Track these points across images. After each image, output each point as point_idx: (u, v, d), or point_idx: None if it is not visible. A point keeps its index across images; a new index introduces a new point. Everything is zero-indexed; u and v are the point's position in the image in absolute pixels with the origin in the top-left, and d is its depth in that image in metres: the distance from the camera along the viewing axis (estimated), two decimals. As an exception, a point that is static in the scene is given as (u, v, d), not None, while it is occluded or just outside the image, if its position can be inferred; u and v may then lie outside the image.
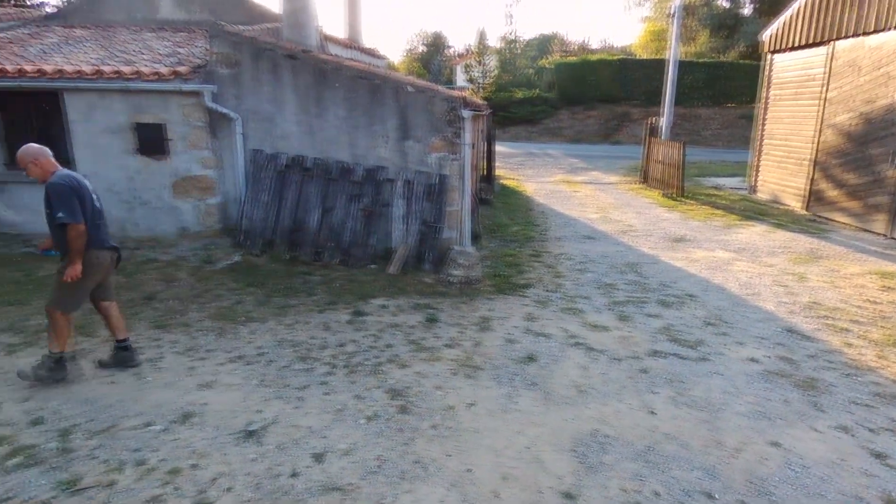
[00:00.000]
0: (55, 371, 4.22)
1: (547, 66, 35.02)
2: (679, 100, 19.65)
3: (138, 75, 7.40)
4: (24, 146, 4.25)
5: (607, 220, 10.97)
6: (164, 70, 7.48)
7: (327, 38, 11.35)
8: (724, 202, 12.88)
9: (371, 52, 15.04)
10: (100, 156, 7.78)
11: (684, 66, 24.96)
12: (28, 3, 23.44)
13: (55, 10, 14.05)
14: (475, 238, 8.56)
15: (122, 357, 4.53)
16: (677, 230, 10.12)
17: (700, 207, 12.24)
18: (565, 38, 45.69)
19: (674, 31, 16.04)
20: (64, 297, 4.16)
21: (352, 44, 13.49)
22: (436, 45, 59.61)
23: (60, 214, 4.03)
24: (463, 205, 7.66)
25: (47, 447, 3.46)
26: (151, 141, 7.67)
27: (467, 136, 7.54)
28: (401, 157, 7.53)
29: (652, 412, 4.08)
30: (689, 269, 7.74)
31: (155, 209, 7.98)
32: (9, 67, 7.44)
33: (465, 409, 4.05)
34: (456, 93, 7.99)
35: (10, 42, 9.38)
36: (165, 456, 3.41)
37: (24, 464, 3.30)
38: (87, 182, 4.39)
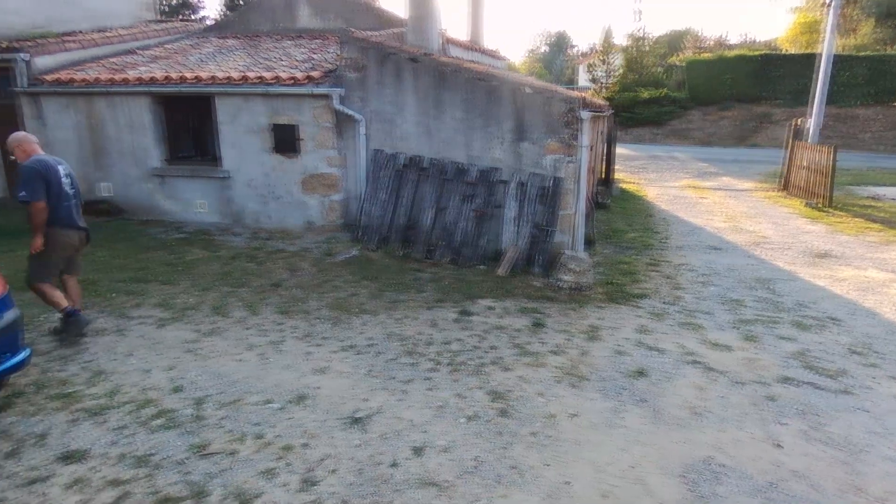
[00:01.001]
0: (72, 326, 4.85)
1: (677, 63, 33.00)
2: (832, 98, 17.59)
3: (277, 80, 8.07)
4: (14, 133, 4.90)
5: (738, 230, 10.09)
6: (299, 75, 8.08)
7: (449, 41, 11.59)
8: (882, 215, 11.31)
9: (491, 54, 15.13)
10: (242, 154, 8.60)
11: (840, 61, 22.29)
12: (193, 17, 26.49)
13: (213, 22, 15.76)
14: (589, 243, 8.29)
15: (70, 324, 4.88)
16: (821, 244, 9.06)
17: (851, 220, 10.85)
18: (699, 34, 42.78)
19: (829, 21, 14.35)
20: (34, 268, 4.78)
21: (473, 46, 13.65)
22: (559, 44, 58.49)
23: (22, 193, 4.53)
24: (577, 208, 7.45)
25: (184, 413, 3.89)
26: (285, 140, 8.33)
27: (585, 138, 7.32)
28: (515, 159, 7.49)
29: (778, 445, 3.69)
30: (834, 288, 6.90)
31: (286, 203, 8.65)
32: (173, 75, 8.47)
33: (566, 419, 3.93)
34: (575, 93, 7.78)
35: (176, 53, 10.66)
36: (280, 433, 3.69)
37: (165, 425, 3.73)
38: (61, 168, 4.84)
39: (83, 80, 8.91)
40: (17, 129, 9.54)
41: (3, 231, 8.18)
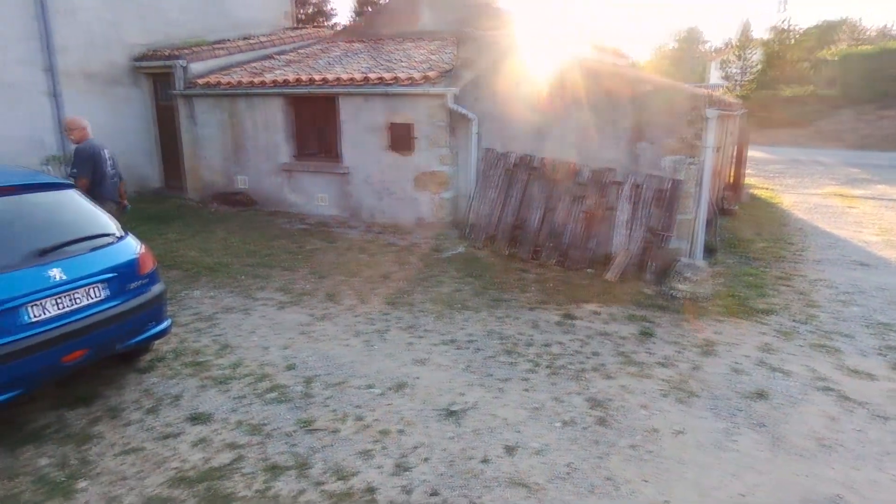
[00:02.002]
0: None
1: (829, 58, 29.60)
2: None
3: (395, 80, 8.40)
4: (72, 117, 5.99)
5: (893, 246, 8.86)
6: (416, 75, 8.34)
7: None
8: None
9: (613, 52, 14.59)
10: (361, 151, 9.06)
11: None
12: (326, 24, 28.31)
13: (341, 27, 16.78)
14: (709, 251, 7.71)
15: None
16: None
17: None
18: (858, 24, 38.04)
19: None
20: None
21: (594, 44, 13.24)
22: (689, 40, 55.02)
23: (74, 170, 5.61)
24: (698, 213, 6.96)
25: (295, 389, 4.18)
26: (401, 138, 8.64)
27: (710, 138, 6.81)
28: (631, 159, 7.16)
29: (927, 493, 3.19)
30: None
31: (399, 199, 8.98)
32: (303, 77, 9.13)
33: (670, 436, 3.70)
34: (701, 91, 7.27)
35: (307, 57, 11.47)
36: (379, 417, 3.84)
37: (278, 399, 4.04)
38: (105, 151, 5.88)
39: (228, 83, 9.88)
40: (176, 128, 10.81)
41: (156, 217, 9.32)
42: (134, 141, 11.03)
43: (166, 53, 10.66)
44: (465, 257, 7.54)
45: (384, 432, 3.67)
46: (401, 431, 3.68)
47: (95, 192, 5.62)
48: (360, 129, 8.96)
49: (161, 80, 10.94)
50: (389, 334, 5.20)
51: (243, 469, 3.28)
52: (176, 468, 3.27)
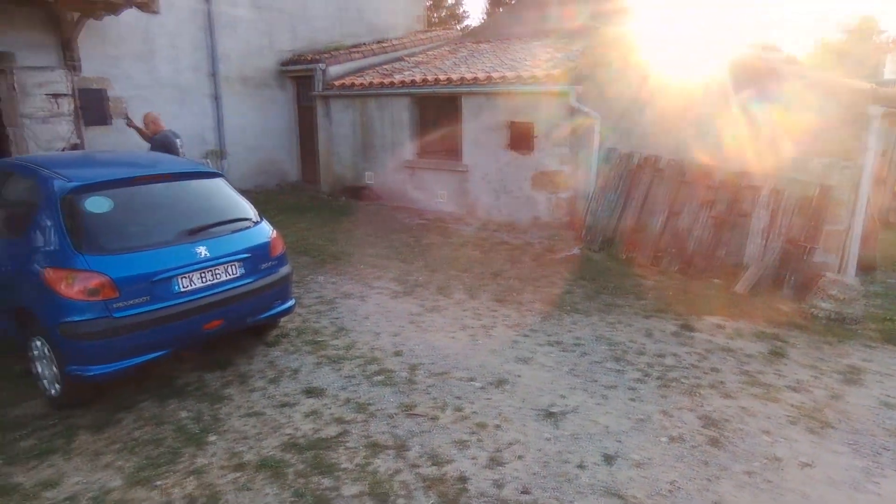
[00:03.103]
0: None
1: None
2: None
3: (518, 79, 8.39)
4: (149, 112, 6.96)
5: None
6: (539, 73, 8.26)
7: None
8: None
9: (764, 46, 13.30)
10: (480, 149, 9.17)
11: None
12: (458, 27, 28.96)
13: (470, 28, 17.07)
14: (866, 269, 6.78)
15: None
16: None
17: None
18: None
19: None
20: None
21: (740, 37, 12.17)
22: (861, 30, 48.69)
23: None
24: (852, 224, 6.15)
25: (400, 374, 4.36)
26: (520, 137, 8.62)
27: (872, 140, 5.99)
28: (770, 161, 6.50)
29: None
30: None
31: (515, 198, 8.97)
32: (429, 77, 9.45)
33: (796, 467, 3.32)
34: (865, 85, 6.40)
35: (435, 58, 11.84)
36: (478, 410, 3.89)
37: (384, 382, 4.24)
38: (178, 140, 6.71)
39: (360, 84, 10.52)
40: (314, 126, 11.72)
41: (292, 207, 10.18)
42: (277, 138, 12.15)
43: (308, 58, 11.59)
44: (579, 259, 7.34)
45: (481, 425, 3.70)
46: (497, 426, 3.70)
47: None
48: (480, 127, 9.08)
49: (303, 82, 11.92)
50: (495, 330, 5.23)
51: (347, 443, 3.49)
52: (289, 434, 3.57)
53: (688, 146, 7.12)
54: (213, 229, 4.15)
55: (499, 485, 3.14)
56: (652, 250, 7.16)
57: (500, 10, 25.47)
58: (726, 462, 3.37)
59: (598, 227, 7.71)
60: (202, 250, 3.94)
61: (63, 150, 7.65)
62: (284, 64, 11.87)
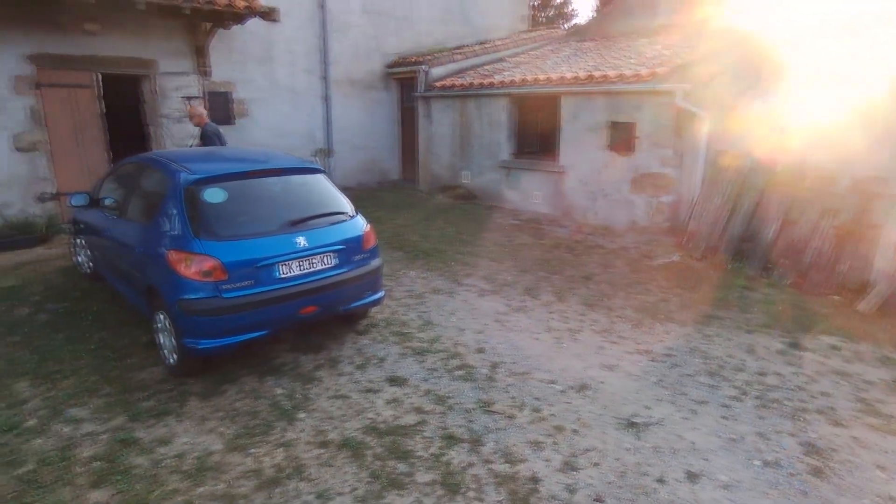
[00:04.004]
0: None
1: None
2: None
3: (620, 78, 8.11)
4: (193, 105, 7.79)
5: None
6: (643, 72, 7.94)
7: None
8: None
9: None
10: (578, 150, 8.98)
11: None
12: (566, 26, 28.44)
13: (575, 27, 16.70)
14: None
15: None
16: None
17: None
18: None
19: None
20: None
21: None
22: None
23: (193, 143, 7.47)
24: None
25: (481, 371, 4.41)
26: (621, 138, 8.33)
27: None
28: (911, 168, 5.78)
29: None
30: None
31: (613, 201, 8.68)
32: (528, 77, 9.39)
33: (915, 510, 2.96)
34: None
35: (537, 58, 11.74)
36: (556, 413, 3.84)
37: (464, 377, 4.31)
38: (220, 129, 7.48)
39: (461, 85, 10.68)
40: (415, 126, 12.07)
41: (391, 204, 10.56)
42: (381, 138, 12.65)
43: (412, 60, 11.95)
44: (678, 267, 6.97)
45: (558, 428, 3.66)
46: (575, 431, 3.63)
47: None
48: (579, 128, 8.89)
49: (407, 84, 12.32)
50: (581, 335, 5.12)
51: (424, 432, 3.60)
52: (371, 419, 3.74)
53: (809, 149, 6.51)
54: (312, 221, 4.44)
55: (571, 489, 3.09)
56: (761, 261, 6.63)
57: (609, 7, 24.66)
58: (829, 495, 3.07)
59: (701, 233, 7.27)
60: (301, 240, 4.23)
61: (190, 146, 8.51)
62: (390, 66, 12.33)
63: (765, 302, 5.92)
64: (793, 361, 4.63)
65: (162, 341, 4.29)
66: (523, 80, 9.52)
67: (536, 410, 3.86)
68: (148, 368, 4.36)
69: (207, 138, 7.36)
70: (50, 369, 4.32)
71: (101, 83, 8.57)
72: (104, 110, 8.65)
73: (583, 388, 4.17)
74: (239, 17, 9.03)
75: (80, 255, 6.33)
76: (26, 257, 7.25)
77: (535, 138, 9.95)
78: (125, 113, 9.77)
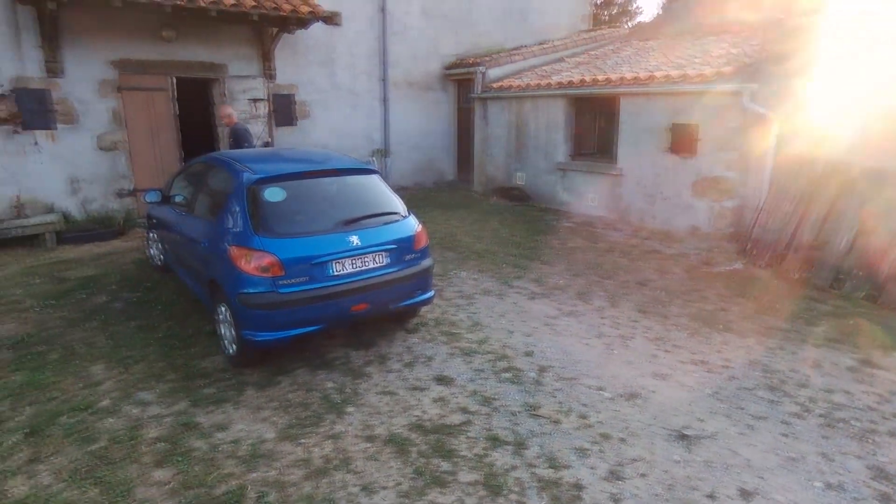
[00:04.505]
0: None
1: None
2: None
3: (684, 78, 7.84)
4: (224, 107, 8.37)
5: None
6: (707, 71, 7.64)
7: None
8: None
9: None
10: (636, 152, 8.75)
11: None
12: (630, 24, 27.72)
13: (637, 26, 16.24)
14: None
15: None
16: None
17: None
18: None
19: None
20: None
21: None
22: None
23: (245, 145, 7.74)
24: None
25: (528, 374, 4.39)
26: (682, 140, 8.05)
27: None
28: None
29: None
30: None
31: (672, 205, 8.41)
32: (586, 78, 9.23)
33: None
34: None
35: (597, 58, 11.52)
36: (603, 420, 3.77)
37: (511, 380, 4.30)
38: (248, 129, 8.18)
39: (518, 86, 10.63)
40: (471, 127, 12.12)
41: (445, 204, 10.64)
42: (437, 139, 12.77)
43: (470, 61, 12.00)
44: (740, 275, 6.68)
45: (605, 436, 3.59)
46: (622, 440, 3.56)
47: None
48: (638, 129, 8.66)
49: (464, 85, 12.38)
50: (633, 342, 5.00)
51: (469, 433, 3.62)
52: (417, 416, 3.80)
53: (889, 154, 6.09)
54: (365, 221, 4.55)
55: (616, 499, 3.03)
56: (832, 271, 6.26)
57: (675, 3, 23.83)
58: (898, 523, 2.87)
59: (767, 240, 6.93)
60: (355, 239, 4.34)
61: (253, 146, 8.88)
62: (448, 67, 12.43)
63: (835, 315, 5.58)
64: (863, 379, 4.35)
65: (223, 332, 4.51)
66: (581, 80, 9.37)
67: (583, 417, 3.81)
68: (210, 357, 4.60)
69: (239, 136, 7.78)
70: (123, 354, 4.63)
71: (175, 86, 9.09)
72: (177, 112, 9.17)
73: (632, 396, 4.08)
74: (303, 22, 9.35)
75: (152, 247, 6.74)
76: (105, 249, 7.79)
77: (593, 140, 9.77)
78: (196, 114, 10.33)
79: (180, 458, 3.32)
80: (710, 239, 7.83)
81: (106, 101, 8.55)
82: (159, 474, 3.19)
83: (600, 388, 4.19)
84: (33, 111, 8.02)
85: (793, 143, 6.98)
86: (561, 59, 12.33)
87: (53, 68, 8.06)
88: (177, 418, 3.73)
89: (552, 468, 3.28)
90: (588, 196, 9.70)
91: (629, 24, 28.48)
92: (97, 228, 8.27)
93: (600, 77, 9.10)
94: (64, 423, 3.66)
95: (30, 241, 7.86)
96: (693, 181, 8.06)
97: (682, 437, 3.60)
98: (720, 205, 7.80)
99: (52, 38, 7.93)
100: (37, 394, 4.02)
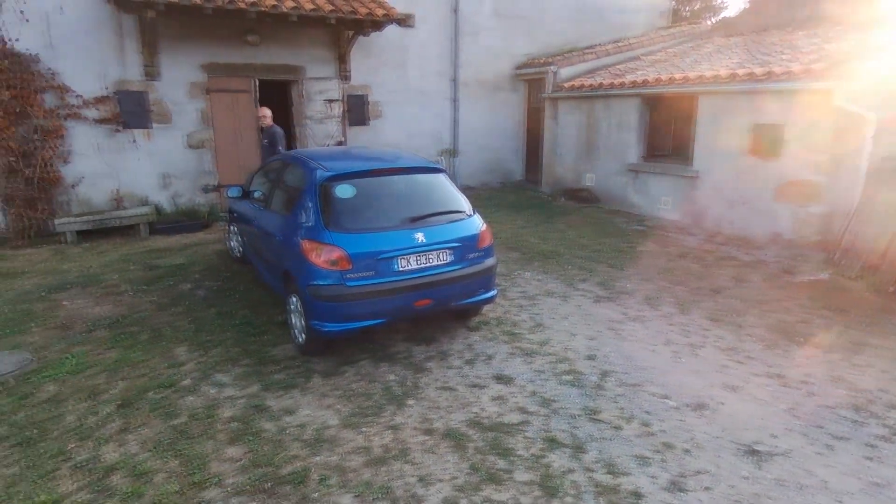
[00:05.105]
0: None
1: None
2: None
3: (769, 76, 7.42)
4: (262, 107, 8.41)
5: None
6: (796, 69, 7.19)
7: None
8: None
9: None
10: (714, 154, 8.37)
11: None
12: (714, 20, 26.45)
13: (720, 22, 15.47)
14: None
15: None
16: None
17: None
18: None
19: None
20: None
21: None
22: None
23: (279, 148, 7.90)
24: None
25: (589, 378, 4.32)
26: (766, 141, 7.61)
27: None
28: None
29: None
30: None
31: (752, 210, 7.97)
32: (662, 76, 8.92)
33: None
34: None
35: (675, 55, 11.10)
36: (666, 429, 3.66)
37: (572, 383, 4.25)
38: (282, 131, 8.26)
39: (589, 86, 10.42)
40: (540, 127, 12.01)
41: (512, 205, 10.60)
42: (506, 139, 12.75)
43: (541, 61, 11.89)
44: (826, 286, 6.24)
45: (668, 445, 3.48)
46: (686, 451, 3.44)
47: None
48: (717, 130, 8.28)
49: (534, 85, 12.28)
50: (703, 351, 4.80)
51: (526, 432, 3.62)
52: (475, 413, 3.84)
53: None
54: (431, 218, 4.64)
55: (676, 510, 2.94)
56: (935, 285, 5.73)
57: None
58: None
59: (858, 249, 6.44)
60: (420, 236, 4.44)
61: (327, 145, 9.23)
62: (518, 67, 12.37)
63: (935, 333, 5.11)
64: (966, 404, 3.97)
65: (293, 322, 4.74)
66: (657, 79, 9.06)
67: (645, 424, 3.71)
68: (281, 345, 4.84)
69: (275, 138, 8.06)
70: (203, 338, 4.96)
71: (257, 88, 9.60)
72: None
73: (700, 406, 3.93)
74: (378, 25, 9.61)
75: (232, 240, 7.17)
76: (191, 240, 8.35)
77: (667, 141, 9.45)
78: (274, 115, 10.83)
79: (251, 438, 3.53)
80: (793, 246, 7.36)
81: (195, 102, 9.15)
82: (231, 451, 3.41)
83: (665, 397, 4.06)
84: (132, 112, 8.72)
85: (890, 144, 6.44)
86: (637, 58, 11.97)
87: (151, 72, 8.73)
88: (249, 400, 3.97)
89: (610, 474, 3.22)
90: (660, 198, 9.38)
91: (713, 19, 27.16)
92: (184, 221, 8.87)
93: (677, 75, 8.76)
94: (151, 399, 3.98)
95: (126, 230, 8.56)
96: (776, 185, 7.60)
97: (753, 452, 3.43)
98: (806, 210, 7.31)
99: (151, 44, 8.60)
100: (128, 370, 4.39)
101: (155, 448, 3.42)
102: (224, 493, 3.06)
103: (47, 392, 4.06)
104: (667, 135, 9.52)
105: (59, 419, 3.73)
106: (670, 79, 8.80)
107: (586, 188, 10.83)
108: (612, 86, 9.92)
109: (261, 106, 8.97)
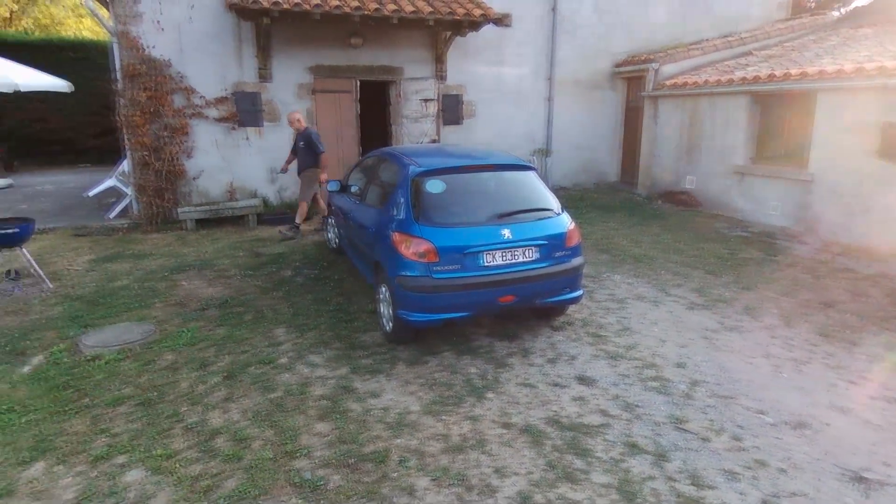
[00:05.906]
0: (293, 232, 8.28)
1: None
2: None
3: (904, 70, 6.68)
4: (292, 112, 8.62)
5: None
6: (938, 61, 6.42)
7: None
8: None
9: None
10: (833, 156, 7.66)
11: None
12: (843, 10, 24.11)
13: (850, 11, 14.05)
14: None
15: (295, 230, 8.37)
16: None
17: None
18: None
19: None
20: (305, 192, 8.48)
21: None
22: None
23: (322, 149, 8.24)
24: None
25: (678, 386, 4.15)
26: (896, 143, 6.87)
27: None
28: None
29: None
30: None
31: (876, 218, 7.22)
32: (776, 72, 8.28)
33: None
34: None
35: (793, 49, 10.26)
36: (760, 446, 3.44)
37: (658, 389, 4.11)
38: (318, 133, 8.52)
39: (693, 83, 9.90)
40: (638, 127, 11.59)
41: (605, 206, 10.33)
42: (601, 139, 12.41)
43: (642, 58, 11.45)
44: (965, 306, 5.54)
45: (761, 463, 3.28)
46: (782, 471, 3.21)
47: (316, 162, 8.32)
48: (838, 129, 7.58)
49: (634, 83, 11.86)
50: (808, 367, 4.44)
51: (606, 435, 3.55)
52: (554, 411, 3.82)
53: None
54: (518, 215, 4.66)
55: (766, 531, 2.77)
56: None
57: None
58: None
59: None
60: (506, 232, 4.48)
61: (420, 143, 9.48)
62: (618, 65, 11.99)
63: None
64: None
65: (382, 310, 4.95)
66: (770, 75, 8.44)
67: (737, 439, 3.51)
68: (369, 332, 5.07)
69: (311, 140, 8.21)
70: (300, 322, 5.31)
71: (359, 88, 10.06)
72: (359, 112, 10.13)
73: (800, 425, 3.65)
74: (475, 25, 9.72)
75: (329, 231, 7.58)
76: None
77: (779, 142, 8.76)
78: (372, 114, 11.30)
79: (338, 416, 3.75)
80: (927, 260, 6.59)
81: (302, 102, 9.76)
82: (320, 427, 3.64)
83: (761, 412, 3.81)
84: (247, 111, 9.46)
85: None
86: (748, 53, 11.19)
87: (264, 74, 9.42)
88: (338, 381, 4.20)
89: (694, 486, 3.09)
90: (769, 203, 8.73)
91: (841, 9, 24.71)
92: (288, 213, 9.49)
93: (794, 71, 8.11)
94: (252, 373, 4.33)
95: (237, 220, 9.31)
96: (908, 191, 6.84)
97: (860, 479, 3.14)
98: (944, 220, 6.52)
99: (265, 48, 9.28)
100: (233, 346, 4.80)
101: (254, 417, 3.73)
102: (312, 464, 3.28)
103: (166, 360, 4.55)
104: (778, 135, 8.81)
105: (174, 385, 4.17)
106: (785, 75, 8.17)
107: (685, 191, 10.31)
108: (718, 83, 9.36)
109: (292, 111, 9.13)
